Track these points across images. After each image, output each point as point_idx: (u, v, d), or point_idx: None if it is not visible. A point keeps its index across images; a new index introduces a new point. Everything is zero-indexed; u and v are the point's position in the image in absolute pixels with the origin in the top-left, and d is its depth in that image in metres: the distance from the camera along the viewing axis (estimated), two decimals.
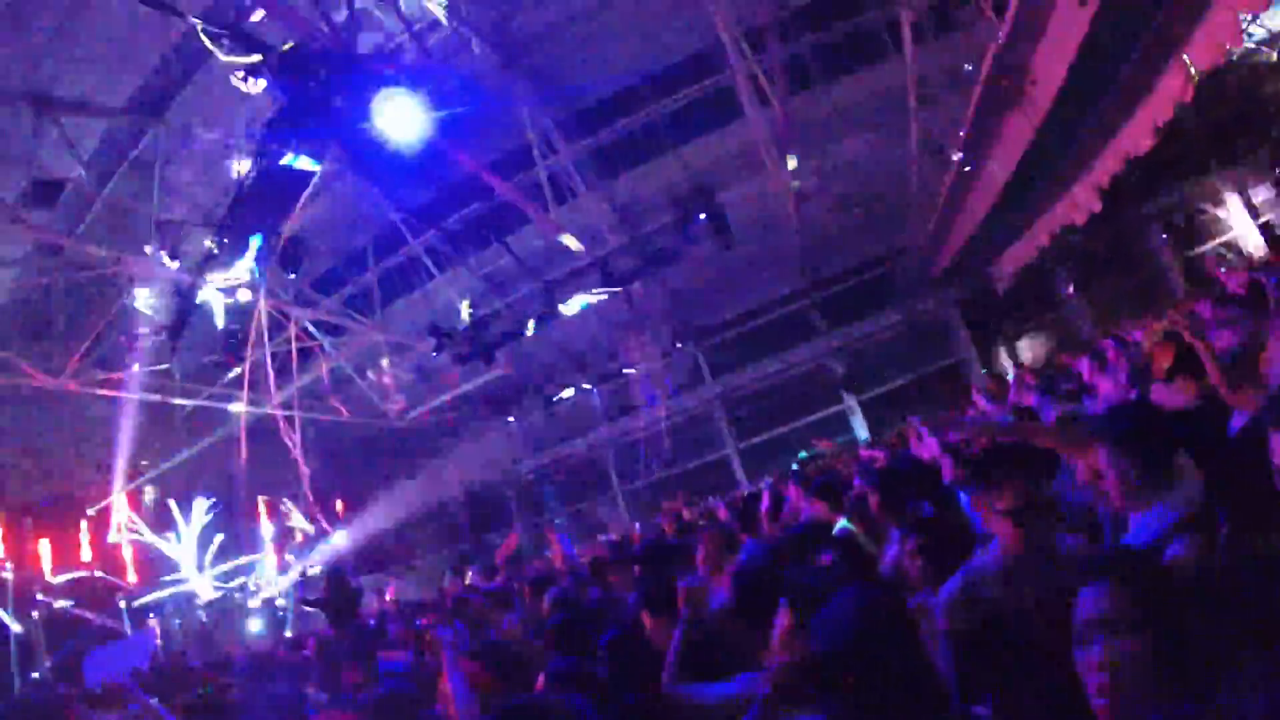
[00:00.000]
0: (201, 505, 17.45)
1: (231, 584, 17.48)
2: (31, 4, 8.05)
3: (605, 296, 13.62)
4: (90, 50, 8.87)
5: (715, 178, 13.83)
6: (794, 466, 9.30)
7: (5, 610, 14.20)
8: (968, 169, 11.41)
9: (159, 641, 16.11)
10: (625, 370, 18.65)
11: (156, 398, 14.16)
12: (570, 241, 13.05)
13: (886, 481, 4.32)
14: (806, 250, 16.17)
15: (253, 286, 11.32)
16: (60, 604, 15.23)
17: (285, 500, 18.13)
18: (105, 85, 9.75)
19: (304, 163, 8.80)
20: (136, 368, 12.43)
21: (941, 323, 17.95)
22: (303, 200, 10.03)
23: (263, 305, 11.89)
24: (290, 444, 13.90)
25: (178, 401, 14.63)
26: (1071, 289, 16.99)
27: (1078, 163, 11.18)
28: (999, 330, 17.56)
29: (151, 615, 16.65)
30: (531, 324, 13.62)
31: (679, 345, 16.96)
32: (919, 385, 17.80)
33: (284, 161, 8.50)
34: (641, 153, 14.75)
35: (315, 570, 17.47)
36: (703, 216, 12.34)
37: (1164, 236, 16.29)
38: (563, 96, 13.54)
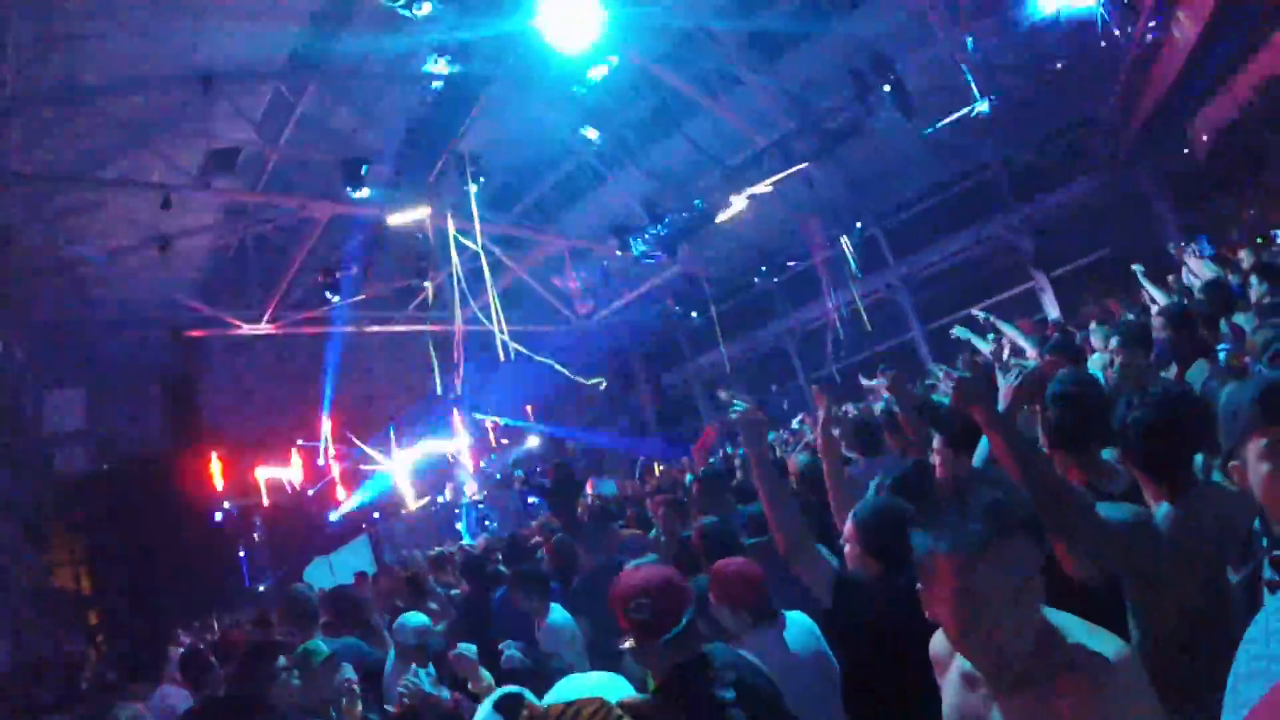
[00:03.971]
0: (399, 421, 19.62)
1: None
2: None
3: (783, 180, 14.25)
4: (242, 19, 9.91)
5: (886, 48, 13.87)
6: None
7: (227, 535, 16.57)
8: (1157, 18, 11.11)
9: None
10: (806, 256, 19.25)
11: (350, 329, 16.10)
12: None
13: None
14: (989, 119, 16.21)
15: (437, 210, 12.73)
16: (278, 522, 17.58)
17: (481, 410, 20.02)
18: (263, 48, 10.85)
19: (471, 78, 9.83)
20: (336, 300, 13.95)
21: (1137, 193, 17.23)
22: (474, 114, 11.20)
23: (450, 226, 13.34)
24: (457, 357, 15.30)
25: (371, 330, 16.53)
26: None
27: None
28: (1200, 198, 16.40)
29: (363, 525, 18.95)
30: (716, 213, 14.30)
31: (860, 226, 17.40)
32: (1115, 261, 16.62)
33: (451, 76, 9.50)
34: (805, 28, 14.70)
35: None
36: (886, 89, 12.66)
37: None
38: None
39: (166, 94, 10.04)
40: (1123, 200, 17.42)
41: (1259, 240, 10.86)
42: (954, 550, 1.63)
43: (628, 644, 2.66)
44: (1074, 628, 1.74)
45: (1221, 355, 4.85)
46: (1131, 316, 8.22)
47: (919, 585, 1.76)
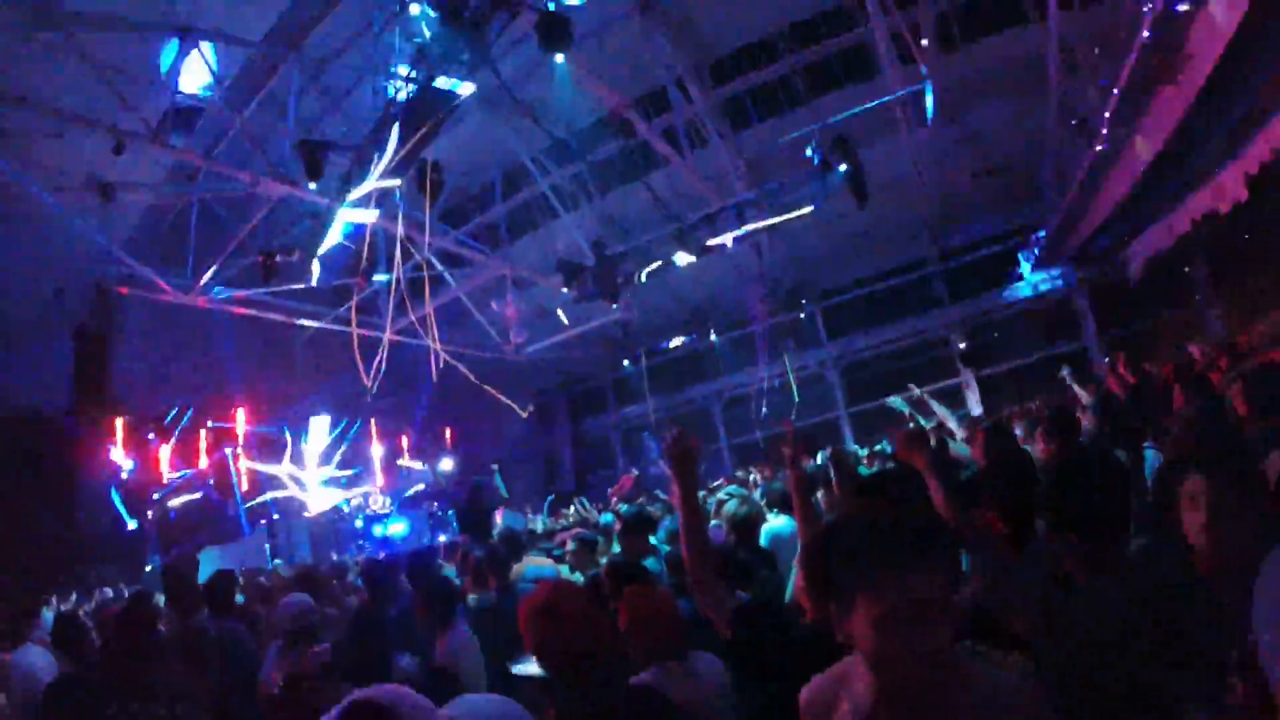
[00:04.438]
0: (319, 423, 19.10)
1: (348, 496, 19.05)
2: None
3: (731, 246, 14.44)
4: None
5: (847, 135, 14.14)
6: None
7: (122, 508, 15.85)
8: (1109, 146, 11.55)
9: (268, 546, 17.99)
10: (744, 322, 19.52)
11: (280, 318, 15.61)
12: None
13: None
14: (936, 217, 16.74)
15: (390, 212, 12.54)
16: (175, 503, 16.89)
17: (404, 426, 19.67)
18: (245, 16, 10.81)
19: (453, 85, 9.80)
20: (271, 285, 13.40)
21: (1069, 306, 18.18)
22: (442, 121, 11.09)
23: (400, 230, 13.13)
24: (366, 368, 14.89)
25: (302, 322, 16.07)
26: (1207, 283, 16.48)
27: (1227, 147, 11.03)
28: (1127, 319, 17.44)
29: (262, 521, 18.36)
30: (669, 260, 14.39)
31: (804, 302, 17.73)
32: (1040, 367, 17.85)
33: (428, 82, 9.50)
34: (774, 105, 15.49)
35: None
36: (843, 168, 12.96)
37: None
38: (699, 43, 14.57)
39: (142, 37, 9.86)
40: (1053, 311, 18.13)
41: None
42: (902, 560, 1.59)
43: (527, 667, 2.53)
44: (980, 662, 1.79)
45: (1149, 453, 4.99)
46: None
47: (838, 611, 1.68)
